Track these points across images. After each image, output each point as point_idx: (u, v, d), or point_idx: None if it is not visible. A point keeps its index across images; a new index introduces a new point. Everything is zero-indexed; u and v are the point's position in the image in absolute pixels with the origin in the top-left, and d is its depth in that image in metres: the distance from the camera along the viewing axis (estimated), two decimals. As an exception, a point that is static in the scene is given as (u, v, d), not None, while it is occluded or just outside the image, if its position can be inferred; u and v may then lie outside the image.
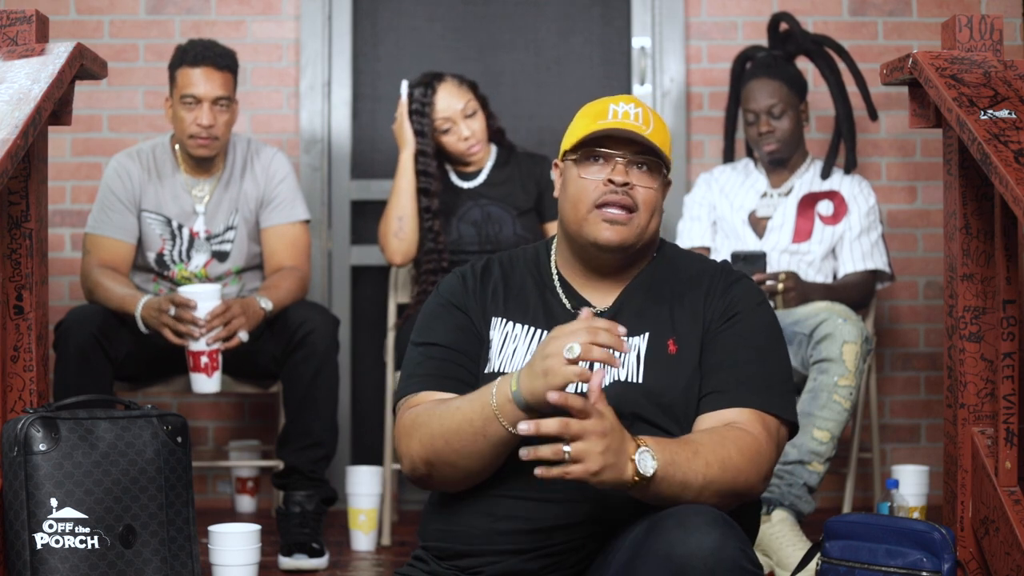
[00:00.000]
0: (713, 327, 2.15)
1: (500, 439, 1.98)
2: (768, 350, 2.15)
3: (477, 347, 2.18)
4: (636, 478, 1.89)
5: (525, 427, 1.85)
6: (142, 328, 3.29)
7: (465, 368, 2.16)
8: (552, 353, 1.90)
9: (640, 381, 2.11)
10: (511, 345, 2.17)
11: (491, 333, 2.19)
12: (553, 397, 1.85)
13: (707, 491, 1.95)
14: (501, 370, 2.14)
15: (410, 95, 3.66)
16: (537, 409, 1.93)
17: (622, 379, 2.11)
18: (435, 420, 2.05)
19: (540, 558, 2.05)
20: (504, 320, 2.19)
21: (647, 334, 2.15)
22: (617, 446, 1.87)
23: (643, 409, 2.08)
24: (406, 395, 2.16)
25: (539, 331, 2.17)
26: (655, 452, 1.91)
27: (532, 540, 2.05)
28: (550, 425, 1.84)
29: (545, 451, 1.85)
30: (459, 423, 2.01)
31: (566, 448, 1.84)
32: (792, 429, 2.15)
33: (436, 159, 3.68)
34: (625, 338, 1.95)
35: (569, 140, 2.21)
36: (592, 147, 2.16)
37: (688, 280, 2.21)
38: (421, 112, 3.64)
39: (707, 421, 2.09)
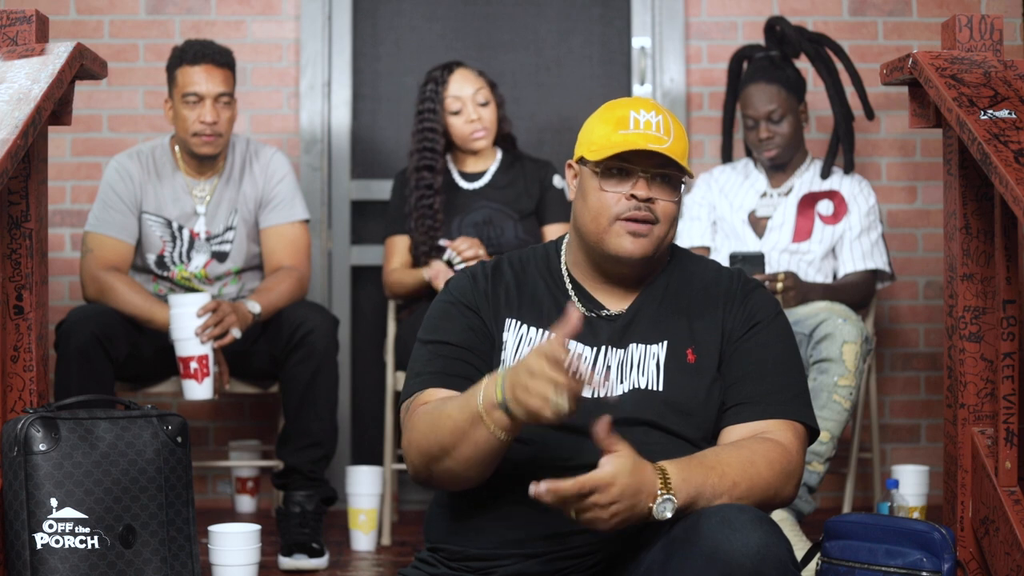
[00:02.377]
0: (734, 337, 2.15)
1: (488, 444, 1.95)
2: (790, 359, 2.17)
3: (488, 347, 2.16)
4: (652, 519, 1.90)
5: (534, 490, 1.86)
6: (171, 337, 3.31)
7: (475, 367, 2.13)
8: (531, 389, 1.86)
9: (660, 389, 2.11)
10: (526, 348, 2.14)
11: (505, 335, 2.16)
12: (533, 490, 1.85)
13: None
14: None
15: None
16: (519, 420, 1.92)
17: (642, 387, 2.11)
18: (426, 427, 2.03)
19: (556, 560, 2.04)
20: (519, 322, 2.17)
21: (665, 343, 2.14)
22: (630, 501, 1.87)
23: (662, 417, 2.08)
24: (413, 393, 2.13)
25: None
26: (678, 490, 1.91)
27: (548, 544, 2.03)
28: (565, 490, 1.85)
29: (553, 500, 1.86)
30: (449, 431, 1.98)
31: (573, 515, 1.87)
32: (814, 434, 2.16)
33: (444, 138, 3.69)
34: (605, 383, 1.94)
35: (589, 149, 2.16)
36: (614, 161, 2.13)
37: (703, 288, 2.20)
38: (434, 98, 3.66)
39: (736, 433, 2.10)
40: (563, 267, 2.24)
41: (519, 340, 2.16)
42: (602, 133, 2.15)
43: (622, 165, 2.13)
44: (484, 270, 2.23)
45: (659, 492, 1.90)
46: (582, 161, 2.19)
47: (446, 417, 1.99)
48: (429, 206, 3.64)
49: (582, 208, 2.17)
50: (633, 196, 2.11)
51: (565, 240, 2.27)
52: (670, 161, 2.13)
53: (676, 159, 2.12)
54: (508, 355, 2.15)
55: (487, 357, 2.15)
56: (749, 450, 2.03)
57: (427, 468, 2.05)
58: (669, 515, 1.90)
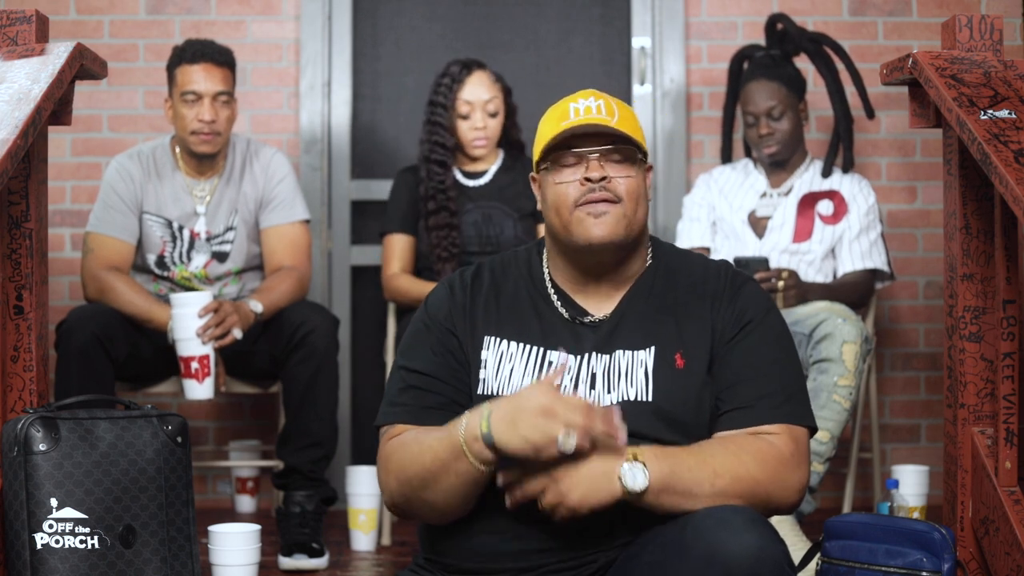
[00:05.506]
0: (725, 337, 2.10)
1: (470, 476, 1.97)
2: (784, 358, 2.12)
3: (464, 370, 2.13)
4: (626, 494, 1.90)
5: (510, 500, 1.96)
6: (170, 338, 3.32)
7: (446, 396, 2.11)
8: (540, 428, 1.90)
9: (649, 399, 2.07)
10: (507, 365, 2.12)
11: (483, 353, 2.13)
12: (509, 504, 1.97)
13: (719, 501, 1.93)
14: (499, 392, 2.10)
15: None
16: (504, 454, 1.94)
17: (630, 398, 2.07)
18: (407, 457, 2.03)
19: (550, 573, 2.03)
20: (498, 339, 2.13)
21: (653, 348, 2.10)
22: (595, 472, 1.90)
23: (652, 428, 2.04)
24: (386, 423, 2.14)
25: (536, 348, 2.12)
26: (650, 463, 1.91)
27: (540, 558, 2.03)
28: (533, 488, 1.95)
29: (524, 495, 1.96)
30: (431, 460, 1.99)
31: (542, 506, 1.93)
32: (812, 432, 2.13)
33: (453, 137, 3.68)
34: (621, 424, 1.94)
35: (537, 149, 2.17)
36: (561, 150, 2.12)
37: (691, 285, 2.16)
38: (447, 95, 3.65)
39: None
40: (545, 272, 2.20)
41: (499, 358, 2.12)
42: (545, 131, 2.16)
43: (571, 153, 2.12)
44: (463, 280, 2.20)
45: (625, 460, 1.92)
46: (537, 167, 2.18)
47: (427, 448, 2.01)
48: (444, 207, 3.64)
49: (546, 209, 2.16)
50: (587, 180, 2.10)
51: (545, 248, 2.24)
52: (618, 138, 2.11)
53: (623, 132, 2.10)
54: (490, 374, 2.12)
55: (461, 379, 2.13)
56: (736, 444, 2.01)
57: (405, 498, 2.06)
58: (642, 482, 1.90)
